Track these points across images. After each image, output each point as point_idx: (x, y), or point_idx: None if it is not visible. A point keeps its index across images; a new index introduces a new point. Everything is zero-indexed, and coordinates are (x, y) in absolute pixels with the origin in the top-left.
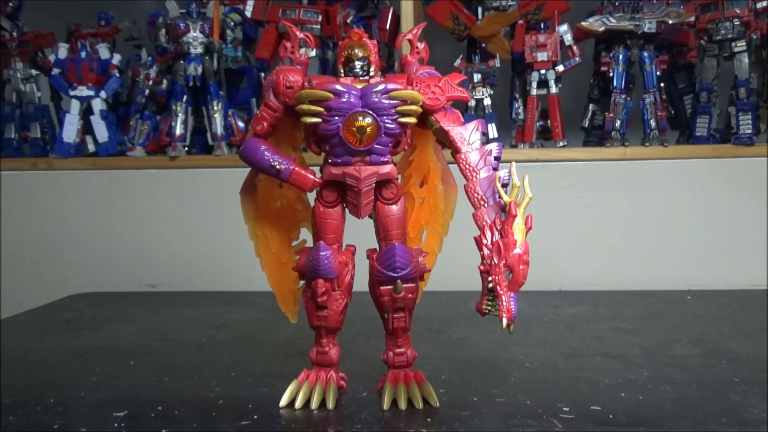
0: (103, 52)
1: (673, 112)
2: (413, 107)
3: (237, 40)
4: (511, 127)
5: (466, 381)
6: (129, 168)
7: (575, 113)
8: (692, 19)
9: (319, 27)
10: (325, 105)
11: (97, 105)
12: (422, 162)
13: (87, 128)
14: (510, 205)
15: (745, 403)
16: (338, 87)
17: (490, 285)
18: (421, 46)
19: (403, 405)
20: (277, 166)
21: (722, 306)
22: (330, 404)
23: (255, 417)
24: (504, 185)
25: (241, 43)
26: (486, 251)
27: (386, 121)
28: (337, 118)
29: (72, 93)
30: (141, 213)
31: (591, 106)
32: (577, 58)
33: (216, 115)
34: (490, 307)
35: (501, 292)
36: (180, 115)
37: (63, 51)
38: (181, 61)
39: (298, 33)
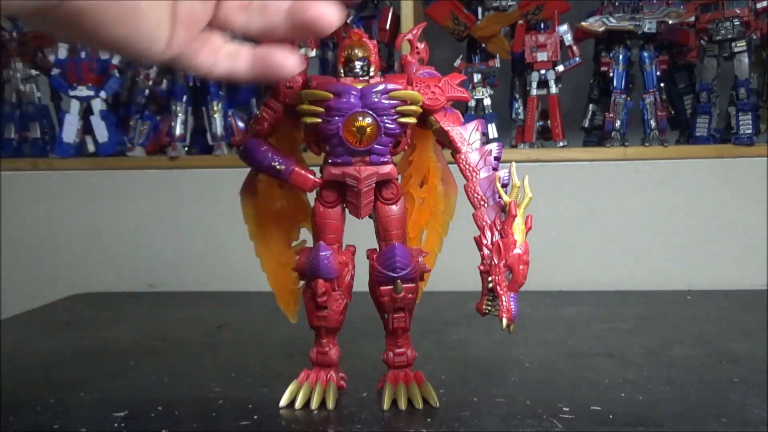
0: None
1: (673, 112)
2: (413, 107)
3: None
4: (511, 127)
5: (466, 381)
6: (129, 168)
7: (575, 113)
8: (692, 19)
9: None
10: (325, 105)
11: (97, 105)
12: (422, 162)
13: (87, 128)
14: (510, 205)
15: (745, 403)
16: (338, 87)
17: (490, 285)
18: (421, 46)
19: (403, 405)
20: (277, 166)
21: (722, 306)
22: (330, 404)
23: (255, 417)
24: (504, 185)
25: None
26: (486, 251)
27: (386, 121)
28: (337, 118)
29: (72, 93)
30: (141, 213)
31: (591, 106)
32: (577, 58)
33: (216, 115)
34: (490, 307)
35: (501, 292)
36: (180, 115)
37: (63, 51)
38: None
39: None
